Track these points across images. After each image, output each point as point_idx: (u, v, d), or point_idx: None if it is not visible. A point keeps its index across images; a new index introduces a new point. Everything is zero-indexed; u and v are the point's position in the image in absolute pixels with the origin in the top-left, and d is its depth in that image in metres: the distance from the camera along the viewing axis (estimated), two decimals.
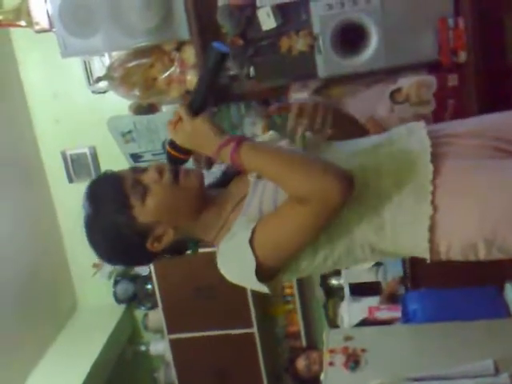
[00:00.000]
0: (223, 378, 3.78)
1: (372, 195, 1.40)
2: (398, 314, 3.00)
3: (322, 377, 2.59)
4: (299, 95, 2.73)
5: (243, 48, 2.79)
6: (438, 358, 2.42)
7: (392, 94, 2.58)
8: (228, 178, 1.59)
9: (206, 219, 1.50)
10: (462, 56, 2.47)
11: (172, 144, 1.45)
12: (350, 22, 2.51)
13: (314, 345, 3.72)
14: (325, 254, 1.43)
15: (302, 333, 3.83)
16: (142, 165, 3.40)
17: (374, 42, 2.50)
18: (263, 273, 1.39)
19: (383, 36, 2.48)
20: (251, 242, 1.37)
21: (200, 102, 1.42)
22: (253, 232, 1.37)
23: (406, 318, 2.93)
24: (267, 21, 2.70)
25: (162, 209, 1.45)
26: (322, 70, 2.60)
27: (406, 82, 2.54)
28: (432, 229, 1.39)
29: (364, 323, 3.10)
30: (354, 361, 2.53)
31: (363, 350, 2.57)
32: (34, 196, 3.87)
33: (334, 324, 3.61)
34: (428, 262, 1.44)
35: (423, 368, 2.34)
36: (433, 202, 1.38)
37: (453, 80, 2.50)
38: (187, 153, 1.46)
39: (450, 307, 2.84)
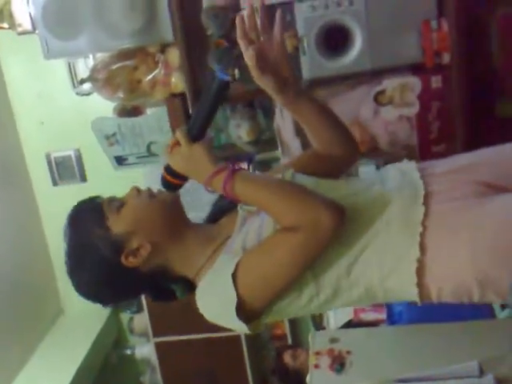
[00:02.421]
0: (209, 381, 3.77)
1: (360, 234, 1.39)
2: (383, 315, 3.00)
3: (307, 379, 2.59)
4: None
5: (228, 50, 2.78)
6: (423, 359, 2.42)
7: (376, 96, 2.58)
8: (218, 213, 1.59)
9: (187, 250, 1.48)
10: (446, 58, 2.47)
11: (167, 169, 1.45)
12: (334, 24, 2.51)
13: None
14: (310, 294, 1.39)
15: (288, 335, 3.82)
16: (123, 173, 3.39)
17: (358, 43, 2.50)
18: (245, 312, 1.34)
19: (367, 38, 2.49)
20: (234, 276, 1.32)
21: (199, 129, 1.42)
22: (236, 265, 1.33)
23: (392, 319, 2.93)
24: None
25: (137, 218, 1.46)
26: (307, 72, 2.60)
27: (391, 84, 2.55)
28: (420, 272, 1.37)
29: (349, 325, 3.10)
30: (339, 363, 2.52)
31: (349, 352, 2.56)
32: (17, 199, 3.85)
33: (319, 326, 3.61)
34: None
35: (408, 369, 2.33)
36: (421, 245, 1.37)
37: (436, 82, 2.50)
38: (182, 178, 1.45)
39: (435, 308, 2.82)
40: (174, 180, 1.44)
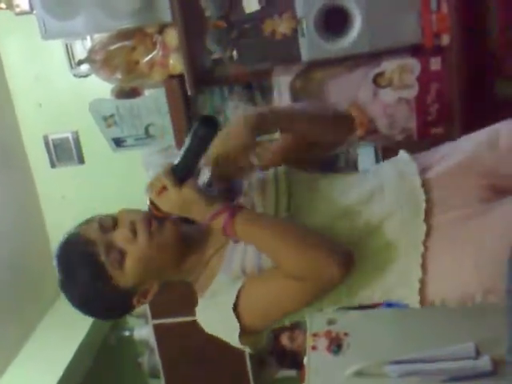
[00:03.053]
0: (207, 363, 3.79)
1: (360, 256, 1.35)
2: None
3: (305, 361, 2.60)
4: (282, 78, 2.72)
5: (226, 31, 2.76)
6: (420, 341, 2.44)
7: (375, 78, 2.57)
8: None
9: (186, 265, 1.47)
10: (445, 39, 2.46)
11: (153, 203, 1.37)
12: (333, 5, 2.49)
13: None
14: (311, 310, 1.46)
15: None
16: (121, 155, 3.38)
17: (357, 25, 2.48)
18: (246, 335, 1.35)
19: (366, 19, 2.47)
20: (235, 308, 1.32)
21: (185, 169, 1.33)
22: (237, 297, 1.33)
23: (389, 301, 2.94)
24: (250, 3, 2.68)
25: (143, 271, 1.40)
26: (306, 54, 2.59)
27: (389, 66, 2.53)
28: (422, 290, 1.38)
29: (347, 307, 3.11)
30: (336, 344, 2.54)
31: (346, 334, 2.58)
32: (15, 181, 3.85)
33: None
34: None
35: (405, 351, 2.35)
36: (423, 265, 1.35)
37: (436, 63, 2.49)
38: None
39: None
40: (162, 214, 1.37)
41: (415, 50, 2.54)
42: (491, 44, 2.49)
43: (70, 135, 3.72)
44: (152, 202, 1.36)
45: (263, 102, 2.99)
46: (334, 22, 2.53)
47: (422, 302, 1.39)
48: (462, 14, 2.42)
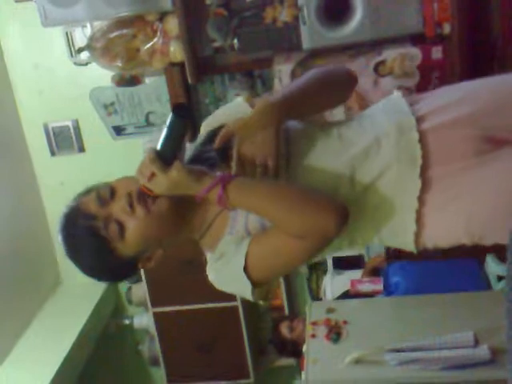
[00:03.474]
0: (207, 350, 3.80)
1: (358, 210, 1.39)
2: (380, 286, 3.02)
3: (304, 349, 2.61)
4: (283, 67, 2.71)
5: (227, 19, 2.76)
6: (418, 329, 2.45)
7: (376, 67, 2.57)
8: (210, 161, 1.49)
9: (189, 226, 1.47)
10: (447, 28, 2.46)
11: (146, 187, 1.38)
12: None
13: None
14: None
15: (285, 306, 3.84)
16: (122, 143, 3.38)
17: (358, 13, 2.48)
18: (258, 289, 1.41)
19: (368, 7, 2.47)
20: (245, 268, 1.37)
21: (170, 152, 1.34)
22: (245, 258, 1.37)
23: (388, 290, 2.95)
24: None
25: (143, 241, 1.41)
26: (307, 42, 2.58)
27: (391, 55, 2.53)
28: (416, 240, 1.42)
29: (346, 296, 3.12)
30: (336, 332, 2.54)
31: (345, 322, 2.59)
32: (15, 169, 3.83)
33: (317, 297, 3.63)
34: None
35: (404, 339, 2.36)
36: (417, 220, 1.39)
37: (437, 52, 2.49)
38: None
39: (431, 279, 2.86)
40: (157, 195, 1.38)
41: (416, 39, 2.53)
42: (493, 33, 2.49)
43: (70, 123, 3.70)
44: (144, 186, 1.37)
45: (263, 89, 2.99)
46: (335, 10, 2.52)
47: (416, 247, 1.44)
48: (463, 2, 2.42)
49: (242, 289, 1.39)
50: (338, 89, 1.57)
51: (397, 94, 1.54)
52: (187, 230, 1.48)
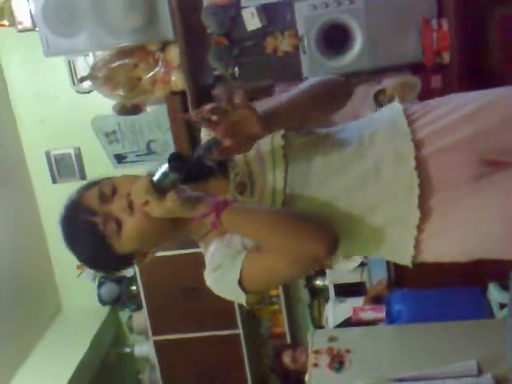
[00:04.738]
0: (208, 379, 3.77)
1: (356, 234, 1.43)
2: (382, 314, 3.00)
3: (306, 378, 2.59)
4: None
5: (228, 48, 2.78)
6: (421, 358, 2.43)
7: (376, 95, 2.58)
8: (206, 170, 1.50)
9: (187, 229, 1.49)
10: (446, 57, 2.47)
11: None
12: (334, 23, 2.51)
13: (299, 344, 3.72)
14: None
15: (287, 333, 3.82)
16: (122, 172, 3.39)
17: (358, 42, 2.50)
18: (251, 296, 1.47)
19: (367, 37, 2.49)
20: (240, 282, 1.42)
21: (166, 184, 1.34)
22: (240, 273, 1.42)
23: (391, 318, 2.94)
24: (252, 21, 2.70)
25: (139, 242, 1.44)
26: (307, 71, 2.60)
27: (391, 83, 2.55)
28: (413, 260, 1.45)
29: (348, 323, 3.10)
30: (338, 361, 2.52)
31: (348, 351, 2.57)
32: (17, 196, 3.84)
33: (319, 325, 3.61)
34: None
35: (407, 368, 2.34)
36: (416, 246, 1.41)
37: (436, 81, 2.51)
38: None
39: (434, 308, 2.85)
40: None
41: (416, 68, 2.55)
42: (492, 62, 2.51)
43: (71, 151, 3.72)
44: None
45: None
46: (335, 39, 2.55)
47: (413, 264, 1.46)
48: (462, 32, 2.44)
49: (237, 297, 1.46)
50: (332, 99, 1.55)
51: (398, 108, 1.50)
52: (185, 233, 1.51)
